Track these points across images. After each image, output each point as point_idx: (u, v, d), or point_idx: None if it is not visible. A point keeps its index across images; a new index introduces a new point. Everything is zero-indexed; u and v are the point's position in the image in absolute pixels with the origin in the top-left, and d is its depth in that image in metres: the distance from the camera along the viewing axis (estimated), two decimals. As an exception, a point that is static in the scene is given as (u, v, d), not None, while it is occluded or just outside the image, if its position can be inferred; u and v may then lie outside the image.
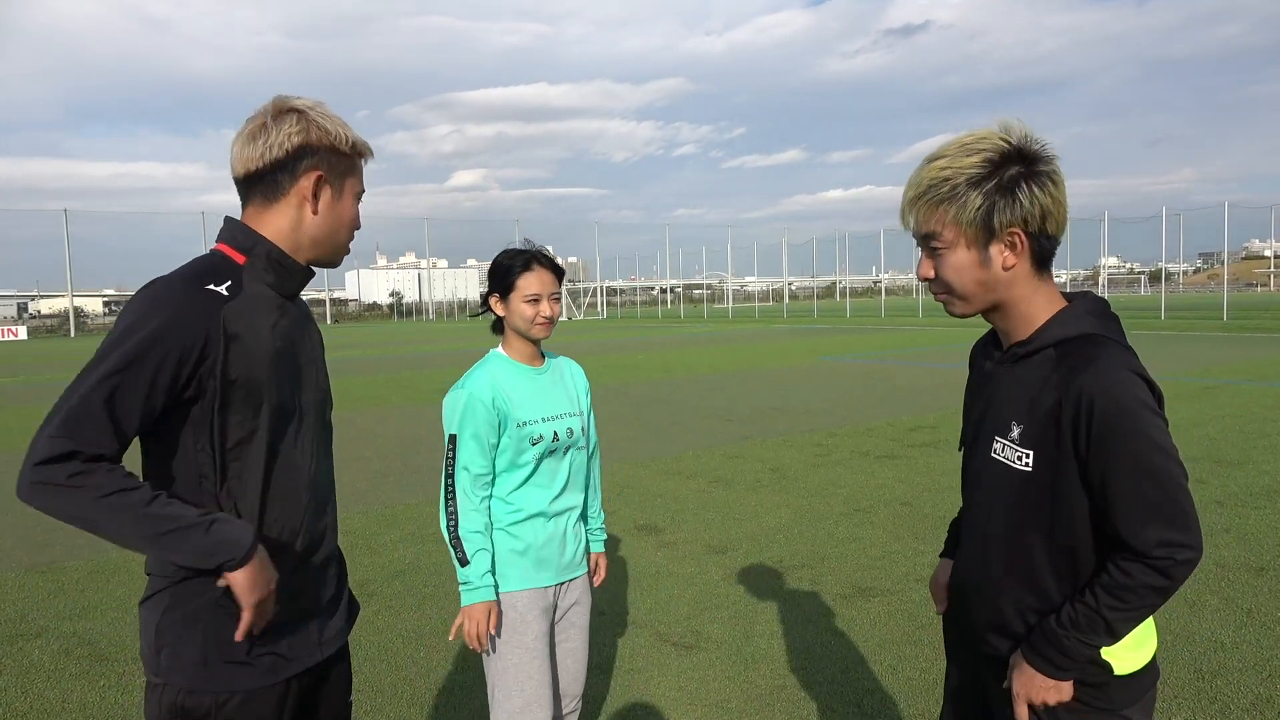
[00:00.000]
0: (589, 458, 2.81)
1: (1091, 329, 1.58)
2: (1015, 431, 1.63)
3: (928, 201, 1.59)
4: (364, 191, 1.90)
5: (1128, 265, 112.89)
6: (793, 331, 35.29)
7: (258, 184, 1.76)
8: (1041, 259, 1.61)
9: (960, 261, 1.61)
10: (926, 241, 1.64)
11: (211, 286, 1.67)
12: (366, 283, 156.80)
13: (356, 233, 1.92)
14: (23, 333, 52.80)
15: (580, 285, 77.32)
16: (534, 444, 2.54)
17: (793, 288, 74.43)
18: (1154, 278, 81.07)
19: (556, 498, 2.64)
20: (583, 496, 2.76)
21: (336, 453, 9.75)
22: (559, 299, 2.61)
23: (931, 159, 1.60)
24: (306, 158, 1.75)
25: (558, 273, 2.60)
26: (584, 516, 2.81)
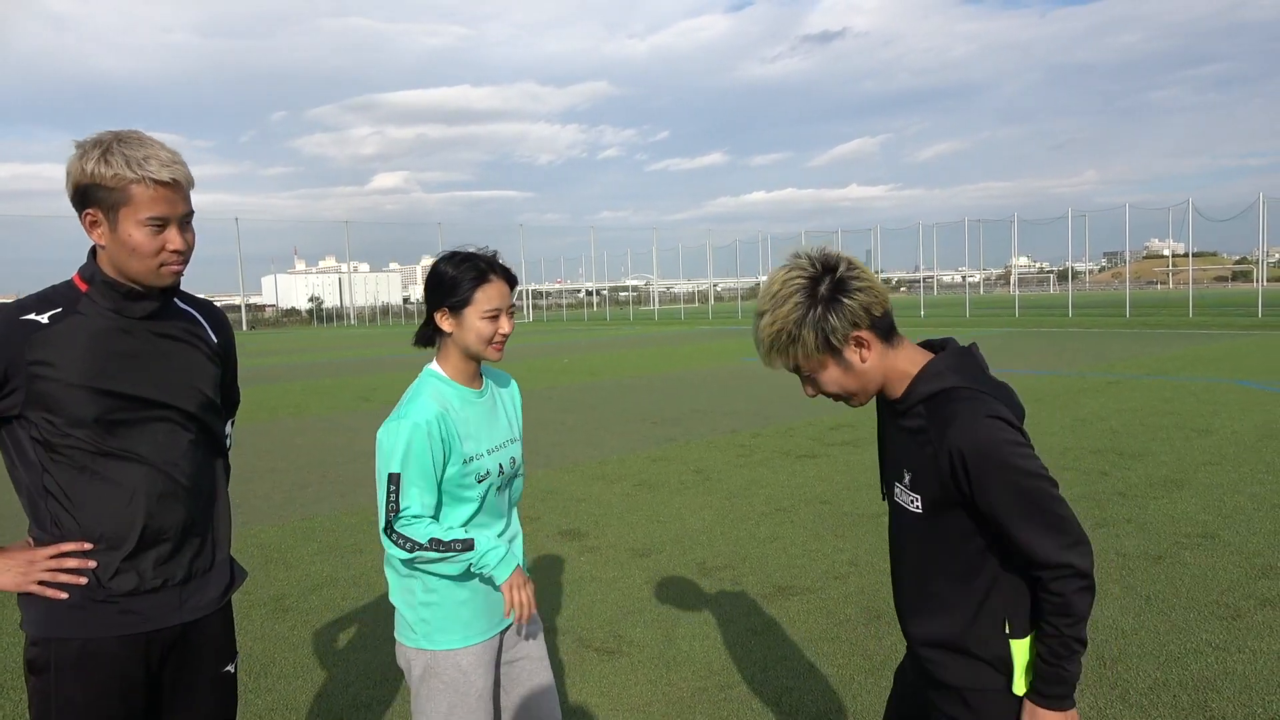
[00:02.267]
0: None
1: (951, 383, 1.77)
2: (908, 478, 1.84)
3: (778, 352, 1.79)
4: (163, 216, 1.89)
5: (1037, 265, 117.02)
6: (717, 333, 35.63)
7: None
8: (886, 334, 1.80)
9: (831, 376, 1.81)
10: (798, 372, 1.83)
11: (31, 316, 1.89)
12: (284, 287, 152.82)
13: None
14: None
15: (506, 289, 76.18)
16: (480, 480, 2.27)
17: (717, 289, 75.15)
18: (1062, 276, 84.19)
19: (502, 533, 2.40)
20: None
21: (251, 464, 9.54)
22: (513, 313, 2.32)
23: (760, 314, 1.79)
24: (82, 198, 1.89)
25: (513, 283, 2.32)
26: None
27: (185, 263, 1.97)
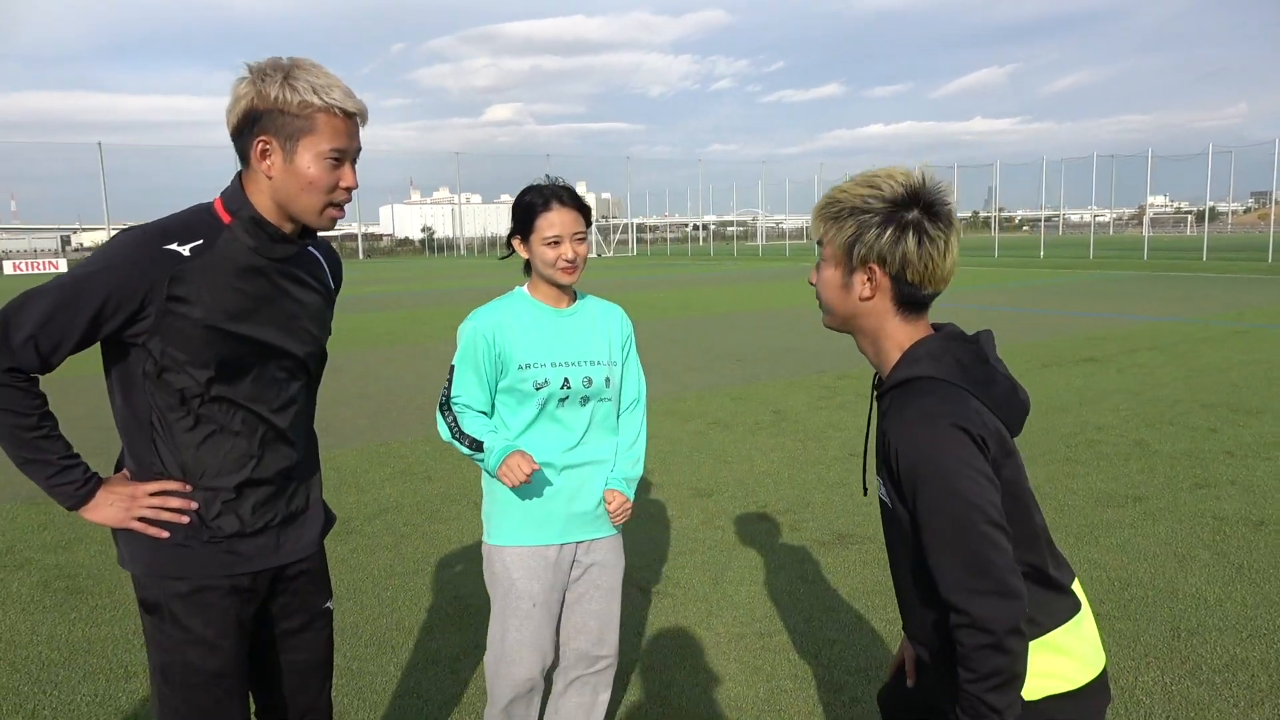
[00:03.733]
0: (625, 409, 2.62)
1: (922, 372, 1.58)
2: (884, 470, 1.64)
3: (822, 215, 1.67)
4: (344, 150, 1.82)
5: (1175, 204, 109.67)
6: (822, 270, 34.80)
7: (236, 149, 1.85)
8: (905, 302, 1.63)
9: (829, 277, 1.69)
10: (818, 248, 1.72)
11: (174, 246, 1.78)
12: (400, 218, 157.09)
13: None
14: (63, 265, 53.64)
15: (612, 221, 76.73)
16: (537, 388, 2.40)
17: (826, 225, 73.07)
18: (1201, 218, 78.73)
19: (572, 449, 2.47)
20: (613, 449, 2.58)
21: (343, 389, 9.86)
22: (584, 239, 2.42)
23: (851, 179, 1.67)
24: (253, 124, 1.79)
25: (583, 211, 2.42)
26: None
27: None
